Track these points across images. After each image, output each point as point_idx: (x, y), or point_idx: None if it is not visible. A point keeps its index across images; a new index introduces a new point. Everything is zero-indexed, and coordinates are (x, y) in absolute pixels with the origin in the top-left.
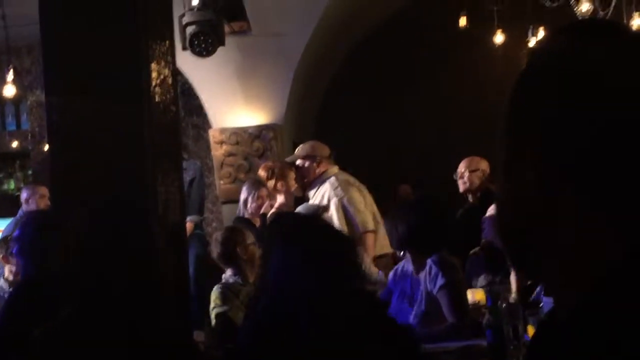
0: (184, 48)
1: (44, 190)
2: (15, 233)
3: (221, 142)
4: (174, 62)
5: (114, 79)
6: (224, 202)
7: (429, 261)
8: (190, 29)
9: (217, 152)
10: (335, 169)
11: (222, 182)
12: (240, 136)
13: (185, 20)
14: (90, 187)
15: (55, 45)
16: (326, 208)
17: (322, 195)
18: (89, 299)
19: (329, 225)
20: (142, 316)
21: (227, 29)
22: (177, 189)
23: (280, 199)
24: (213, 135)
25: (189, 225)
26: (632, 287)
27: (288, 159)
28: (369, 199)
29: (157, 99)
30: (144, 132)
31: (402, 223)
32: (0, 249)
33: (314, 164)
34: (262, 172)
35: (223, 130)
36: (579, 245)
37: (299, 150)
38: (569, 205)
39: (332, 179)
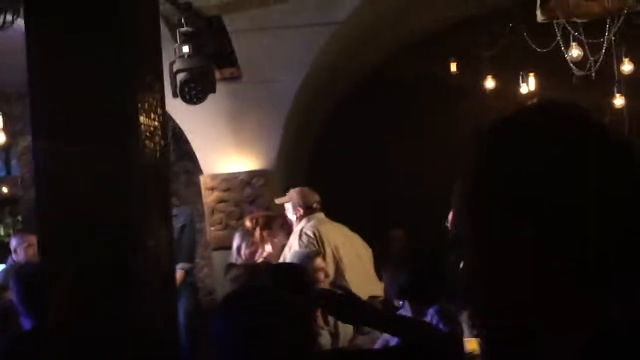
0: (175, 95)
1: (32, 239)
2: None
3: (212, 189)
4: (163, 112)
5: (102, 127)
6: (215, 249)
7: (430, 311)
8: (180, 76)
9: (208, 198)
10: (317, 216)
11: (213, 228)
12: (231, 182)
13: (175, 67)
14: (77, 237)
15: (43, 91)
16: (317, 253)
17: (290, 244)
18: (78, 352)
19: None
20: None
21: (217, 75)
22: (165, 240)
23: (267, 248)
24: (204, 181)
25: (180, 273)
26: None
27: (277, 201)
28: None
29: (146, 148)
30: (132, 182)
31: (401, 274)
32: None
33: (297, 211)
34: (247, 223)
35: (214, 177)
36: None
37: (287, 194)
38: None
39: (298, 228)
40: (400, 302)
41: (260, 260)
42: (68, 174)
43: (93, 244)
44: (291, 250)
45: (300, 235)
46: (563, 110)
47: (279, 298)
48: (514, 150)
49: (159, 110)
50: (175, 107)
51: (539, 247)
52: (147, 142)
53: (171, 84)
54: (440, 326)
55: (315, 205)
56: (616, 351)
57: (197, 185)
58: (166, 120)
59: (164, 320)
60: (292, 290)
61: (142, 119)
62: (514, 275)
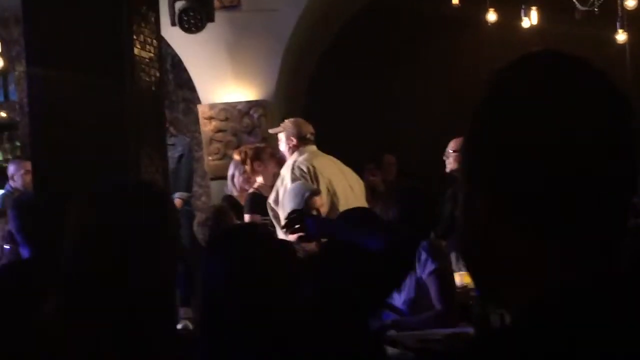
0: (173, 24)
1: (29, 166)
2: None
3: (210, 118)
4: (159, 43)
5: (96, 56)
6: (213, 179)
7: (419, 248)
8: (179, 5)
9: (206, 127)
10: (309, 148)
11: (210, 158)
12: (230, 112)
13: None
14: (70, 166)
15: (37, 19)
16: (317, 191)
17: (282, 175)
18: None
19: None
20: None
21: (217, 3)
22: (160, 170)
23: (259, 179)
24: (202, 111)
25: (178, 202)
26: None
27: (270, 131)
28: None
29: (140, 80)
30: (125, 112)
31: (391, 210)
32: None
33: (290, 141)
34: (236, 156)
35: (212, 106)
36: (517, 269)
37: (281, 124)
38: (511, 234)
39: (290, 162)
40: None
41: (251, 190)
42: (61, 102)
43: (86, 173)
44: (284, 184)
45: (292, 169)
46: (568, 63)
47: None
48: (514, 101)
49: (154, 42)
50: (174, 36)
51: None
52: (141, 73)
53: (169, 13)
54: (429, 262)
55: (308, 136)
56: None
57: (196, 114)
58: (161, 51)
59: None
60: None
61: (136, 50)
62: (478, 223)
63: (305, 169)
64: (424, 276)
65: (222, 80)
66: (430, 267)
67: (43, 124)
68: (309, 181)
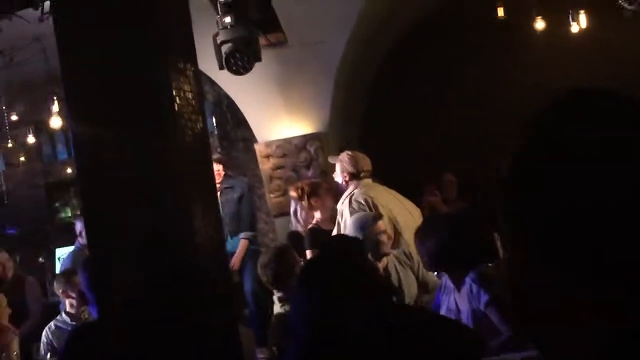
0: (221, 67)
1: None
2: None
3: (268, 156)
4: (199, 94)
5: (137, 113)
6: (276, 216)
7: (467, 279)
8: (225, 48)
9: (265, 165)
10: (364, 182)
11: (272, 195)
12: (286, 148)
13: (219, 39)
14: (120, 224)
15: (77, 79)
16: (379, 215)
17: (340, 210)
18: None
19: (350, 262)
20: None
21: (263, 41)
22: (213, 222)
23: (317, 215)
24: (259, 149)
25: (243, 243)
26: None
27: (330, 159)
28: (393, 208)
29: (184, 135)
30: (171, 168)
31: (430, 241)
32: (59, 283)
33: (343, 176)
34: (293, 193)
35: (269, 144)
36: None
37: (340, 155)
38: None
39: (347, 198)
40: (437, 274)
41: (311, 225)
42: (107, 161)
43: (138, 231)
44: (343, 218)
45: (350, 202)
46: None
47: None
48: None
49: (194, 94)
50: (225, 78)
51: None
52: (185, 128)
53: (217, 56)
54: (481, 293)
55: (363, 173)
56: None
57: (255, 151)
58: (203, 102)
59: (221, 305)
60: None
61: (176, 105)
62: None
63: (362, 201)
64: (481, 307)
65: (276, 117)
66: (484, 297)
67: (91, 184)
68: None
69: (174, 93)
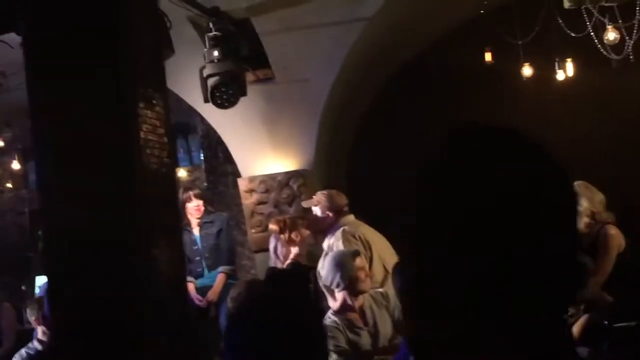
0: (206, 100)
1: None
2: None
3: (251, 191)
4: (167, 126)
5: (102, 146)
6: (256, 251)
7: None
8: (211, 81)
9: (248, 200)
10: (348, 218)
11: (253, 230)
12: (269, 184)
13: (205, 72)
14: (81, 255)
15: (44, 117)
16: (357, 252)
17: (330, 245)
18: None
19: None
20: None
21: (251, 77)
22: (173, 253)
23: (294, 250)
24: (242, 184)
25: (220, 277)
26: None
27: (304, 204)
28: (379, 247)
29: (150, 164)
30: (135, 200)
31: (398, 279)
32: (32, 310)
33: (327, 215)
34: (273, 226)
35: (252, 179)
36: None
37: (315, 197)
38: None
39: (339, 232)
40: None
41: (289, 261)
42: (70, 196)
43: (98, 262)
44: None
45: (345, 238)
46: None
47: (277, 307)
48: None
49: (163, 125)
50: (212, 112)
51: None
52: (150, 156)
53: (202, 89)
54: None
55: (345, 208)
56: None
57: None
58: (172, 134)
59: (175, 335)
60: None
61: (142, 134)
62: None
63: (357, 237)
64: None
65: (261, 152)
66: None
67: (51, 206)
68: (361, 248)
69: (139, 120)
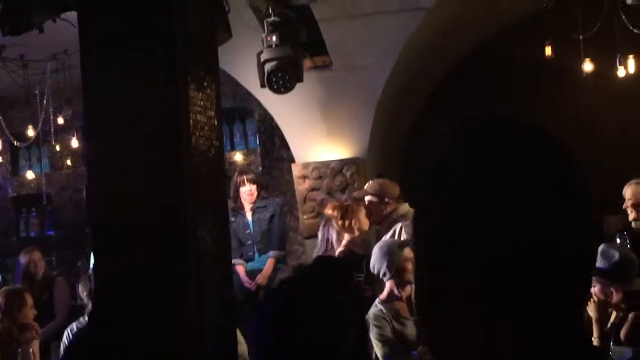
0: (262, 85)
1: None
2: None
3: (304, 177)
4: (218, 109)
5: (151, 124)
6: (307, 237)
7: None
8: (268, 66)
9: (301, 186)
10: (404, 207)
11: (305, 216)
12: (323, 171)
13: (263, 57)
14: (127, 235)
15: (96, 90)
16: (406, 243)
17: (393, 233)
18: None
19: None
20: None
21: (309, 63)
22: (218, 236)
23: (347, 237)
24: (296, 170)
25: (270, 262)
26: None
27: (356, 194)
28: None
29: (199, 146)
30: (183, 180)
31: None
32: (83, 286)
33: (382, 204)
34: (331, 212)
35: (306, 165)
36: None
37: (368, 186)
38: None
39: (403, 219)
40: None
41: (341, 248)
42: (118, 174)
43: (144, 239)
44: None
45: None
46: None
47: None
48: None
49: (214, 107)
50: (268, 96)
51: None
52: (200, 138)
53: (259, 74)
54: None
55: (399, 197)
56: None
57: None
58: (221, 118)
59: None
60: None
61: (193, 115)
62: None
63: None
64: None
65: (315, 139)
66: None
67: (100, 190)
68: None
69: (191, 102)
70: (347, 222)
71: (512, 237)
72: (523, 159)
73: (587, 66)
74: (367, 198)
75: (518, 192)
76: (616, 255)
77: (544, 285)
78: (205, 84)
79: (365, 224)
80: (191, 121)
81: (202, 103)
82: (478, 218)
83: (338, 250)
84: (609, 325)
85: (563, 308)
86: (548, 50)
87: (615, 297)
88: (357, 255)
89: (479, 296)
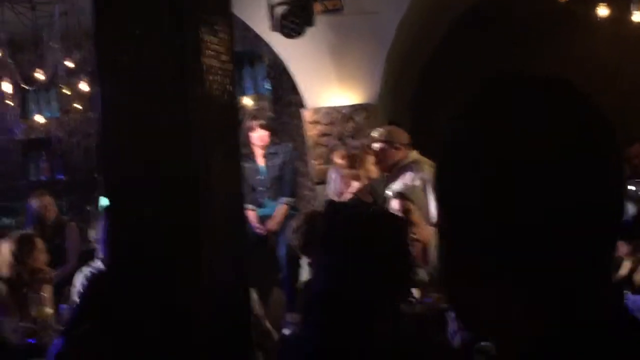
0: (273, 29)
1: None
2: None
3: (315, 122)
4: (231, 53)
5: (163, 67)
6: (318, 183)
7: None
8: (278, 10)
9: (311, 132)
10: (414, 154)
11: (315, 162)
12: (334, 116)
13: (274, 1)
14: (142, 181)
15: (105, 37)
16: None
17: (403, 181)
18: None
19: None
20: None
21: (320, 7)
22: (232, 181)
23: (355, 184)
24: (306, 115)
25: (283, 208)
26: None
27: (365, 141)
28: None
29: (212, 90)
30: (196, 125)
31: None
32: (95, 230)
33: (392, 150)
34: (339, 160)
35: (316, 110)
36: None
37: (376, 134)
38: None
39: (414, 165)
40: None
41: (348, 195)
42: (129, 119)
43: (155, 191)
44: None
45: (419, 169)
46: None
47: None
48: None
49: (227, 52)
50: (278, 41)
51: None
52: (212, 82)
53: (269, 18)
54: None
55: (407, 144)
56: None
57: None
58: (233, 61)
59: (232, 265)
60: None
61: (205, 59)
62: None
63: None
64: None
65: (326, 84)
66: None
67: (112, 140)
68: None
69: (202, 45)
70: (354, 170)
71: (540, 199)
72: (554, 119)
73: (602, 11)
74: (376, 145)
75: (549, 152)
76: (631, 209)
77: (571, 250)
78: (217, 27)
79: (373, 171)
80: (204, 66)
81: (214, 47)
82: (503, 176)
83: (345, 197)
84: (619, 277)
85: (591, 274)
86: None
87: (624, 250)
88: (364, 202)
89: (502, 261)
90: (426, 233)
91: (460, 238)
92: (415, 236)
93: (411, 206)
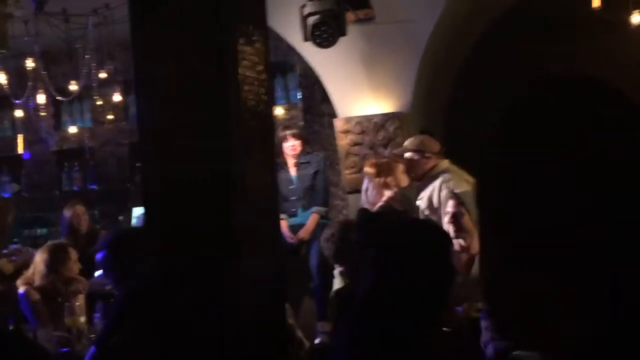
0: (305, 39)
1: None
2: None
3: (346, 132)
4: (266, 63)
5: (200, 79)
6: (350, 192)
7: None
8: (311, 20)
9: (343, 141)
10: (445, 163)
11: (347, 171)
12: (365, 125)
13: (306, 10)
14: (179, 191)
15: (145, 45)
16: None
17: (432, 189)
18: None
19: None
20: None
21: (352, 16)
22: (266, 188)
23: (387, 193)
24: (338, 124)
25: (313, 217)
26: None
27: (396, 151)
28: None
29: (247, 100)
30: (231, 133)
31: None
32: None
33: (423, 159)
34: (369, 169)
35: (348, 120)
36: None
37: (407, 143)
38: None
39: (446, 175)
40: None
41: (380, 204)
42: (168, 130)
43: (193, 196)
44: (434, 193)
45: (448, 179)
46: None
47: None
48: None
49: (262, 62)
50: (310, 50)
51: None
52: (247, 93)
53: (302, 28)
54: None
55: (439, 153)
56: None
57: None
58: (268, 70)
59: (268, 272)
60: None
61: (241, 70)
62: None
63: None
64: None
65: (358, 93)
66: None
67: (152, 149)
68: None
69: (239, 56)
70: (384, 179)
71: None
72: (602, 123)
73: (636, 18)
74: (407, 154)
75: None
76: None
77: (611, 249)
78: (254, 38)
79: (403, 180)
80: (239, 76)
81: (250, 57)
82: (548, 179)
83: (377, 206)
84: None
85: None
86: (596, 1)
87: None
88: (396, 211)
89: (545, 261)
90: (476, 242)
91: (503, 246)
92: (464, 243)
93: (464, 210)
